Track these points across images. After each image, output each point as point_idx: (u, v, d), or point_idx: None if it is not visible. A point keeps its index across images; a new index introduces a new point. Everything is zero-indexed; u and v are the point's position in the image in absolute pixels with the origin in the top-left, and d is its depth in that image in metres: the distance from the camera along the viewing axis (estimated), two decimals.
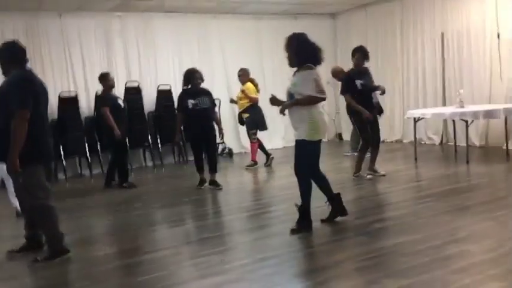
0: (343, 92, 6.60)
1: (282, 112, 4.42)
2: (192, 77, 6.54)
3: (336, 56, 10.97)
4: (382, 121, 10.23)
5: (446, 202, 5.11)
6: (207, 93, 6.65)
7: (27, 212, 4.27)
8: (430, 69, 9.37)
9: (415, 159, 7.71)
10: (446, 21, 8.98)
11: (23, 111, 3.81)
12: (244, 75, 8.19)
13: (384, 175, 6.55)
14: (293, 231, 4.36)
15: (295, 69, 4.47)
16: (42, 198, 4.02)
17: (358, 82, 6.42)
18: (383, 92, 6.68)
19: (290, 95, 4.38)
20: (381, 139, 6.88)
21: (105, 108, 7.00)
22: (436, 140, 9.33)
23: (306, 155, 4.38)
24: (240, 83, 8.26)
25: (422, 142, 9.43)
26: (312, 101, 4.33)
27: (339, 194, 4.66)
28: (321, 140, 4.43)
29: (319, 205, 4.71)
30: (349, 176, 6.66)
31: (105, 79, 7.21)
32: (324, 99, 4.42)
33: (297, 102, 4.30)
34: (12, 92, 3.86)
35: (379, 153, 6.74)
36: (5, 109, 3.86)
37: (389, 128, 10.26)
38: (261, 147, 8.38)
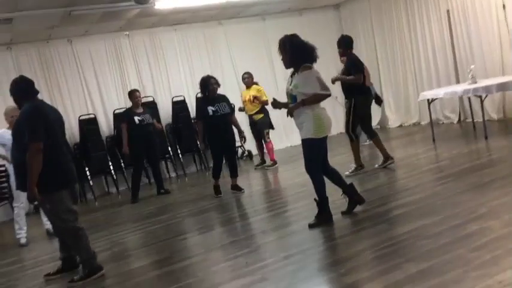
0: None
1: (290, 115, 4.51)
2: (207, 83, 6.61)
3: None
4: (399, 105, 10.32)
5: (465, 180, 5.13)
6: (225, 99, 6.74)
7: (59, 235, 4.48)
8: (439, 48, 9.31)
9: (433, 140, 7.70)
10: None
11: (35, 144, 3.96)
12: (251, 78, 8.37)
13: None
14: (311, 226, 4.47)
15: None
16: (71, 221, 4.22)
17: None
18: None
19: (292, 97, 4.47)
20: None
21: (122, 125, 7.60)
22: (454, 118, 9.27)
23: (314, 153, 4.48)
24: (245, 85, 8.39)
25: (440, 122, 9.39)
26: (318, 99, 4.43)
27: (352, 184, 4.75)
28: (326, 136, 4.52)
29: (338, 198, 4.81)
30: (369, 165, 6.70)
31: (130, 97, 7.74)
32: (329, 95, 4.53)
33: (303, 103, 4.37)
34: (24, 126, 4.05)
35: (394, 139, 6.75)
36: (22, 143, 4.05)
37: (406, 111, 10.25)
38: (262, 148, 8.51)
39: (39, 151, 3.97)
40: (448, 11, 9.04)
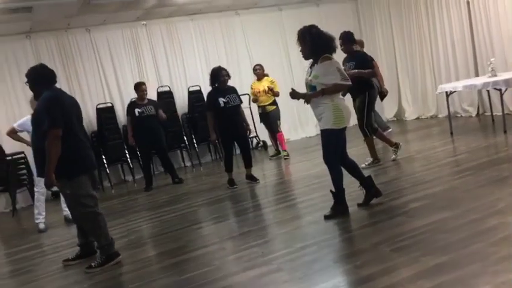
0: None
1: (308, 102, 4.50)
2: (218, 74, 6.60)
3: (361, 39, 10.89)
4: (416, 97, 10.21)
5: (484, 175, 5.07)
6: (234, 91, 6.72)
7: (78, 220, 4.54)
8: (459, 41, 9.18)
9: (451, 133, 7.62)
10: None
11: (54, 130, 4.03)
12: (262, 70, 8.37)
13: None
14: (327, 217, 4.48)
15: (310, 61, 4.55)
16: (91, 207, 4.29)
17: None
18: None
19: (311, 87, 4.45)
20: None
21: (127, 117, 7.84)
22: (472, 111, 9.15)
23: (333, 143, 4.46)
24: (256, 77, 8.37)
25: (458, 115, 9.28)
26: (338, 88, 4.42)
27: (370, 176, 4.73)
28: (346, 127, 4.50)
29: (354, 190, 4.80)
30: (385, 157, 6.67)
31: (136, 89, 7.90)
32: (350, 85, 4.51)
33: (323, 92, 4.36)
34: (42, 113, 4.11)
35: (410, 132, 6.66)
36: (41, 129, 4.11)
37: (423, 104, 10.16)
38: (276, 139, 8.52)
39: (58, 137, 4.04)
40: (468, 2, 8.89)
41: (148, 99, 7.86)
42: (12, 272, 4.91)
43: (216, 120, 6.66)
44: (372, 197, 4.68)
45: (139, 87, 7.77)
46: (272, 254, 3.89)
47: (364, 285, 3.12)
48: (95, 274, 4.21)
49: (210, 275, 3.74)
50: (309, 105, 4.56)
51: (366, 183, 4.68)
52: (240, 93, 7.04)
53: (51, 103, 4.15)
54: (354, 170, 4.68)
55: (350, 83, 4.51)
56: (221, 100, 6.51)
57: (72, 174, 4.18)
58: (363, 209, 4.65)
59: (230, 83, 6.85)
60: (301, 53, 4.52)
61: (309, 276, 3.37)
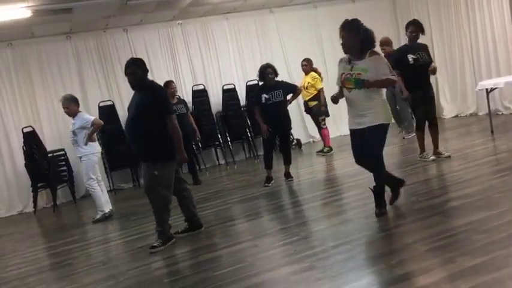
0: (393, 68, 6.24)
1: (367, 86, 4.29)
2: (264, 72, 6.67)
3: (399, 36, 10.62)
4: (455, 94, 9.95)
5: None
6: (281, 87, 6.71)
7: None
8: (500, 36, 8.89)
9: (492, 131, 7.39)
10: None
11: None
12: (308, 65, 8.35)
13: (449, 156, 6.25)
14: (378, 215, 4.37)
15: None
16: None
17: (410, 57, 6.04)
18: (433, 72, 6.22)
19: (357, 81, 4.27)
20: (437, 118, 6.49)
21: None
22: None
23: (385, 138, 4.41)
24: (304, 72, 8.37)
25: (499, 113, 8.98)
26: (389, 83, 4.41)
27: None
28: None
29: (387, 189, 4.71)
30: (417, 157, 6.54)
31: (165, 87, 7.79)
32: (396, 82, 4.55)
33: (374, 84, 4.24)
34: None
35: (449, 130, 6.53)
36: None
37: (462, 101, 9.89)
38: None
39: None
40: None
41: (178, 98, 7.92)
42: (52, 265, 5.09)
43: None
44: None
45: (169, 85, 7.75)
46: (305, 252, 3.88)
47: (398, 284, 3.07)
48: (129, 269, 4.31)
49: (242, 271, 3.76)
50: (345, 104, 4.48)
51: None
52: None
53: None
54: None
55: (397, 79, 4.52)
56: (264, 96, 6.59)
57: None
58: (399, 207, 4.57)
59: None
60: (344, 45, 4.35)
61: (342, 275, 3.35)
